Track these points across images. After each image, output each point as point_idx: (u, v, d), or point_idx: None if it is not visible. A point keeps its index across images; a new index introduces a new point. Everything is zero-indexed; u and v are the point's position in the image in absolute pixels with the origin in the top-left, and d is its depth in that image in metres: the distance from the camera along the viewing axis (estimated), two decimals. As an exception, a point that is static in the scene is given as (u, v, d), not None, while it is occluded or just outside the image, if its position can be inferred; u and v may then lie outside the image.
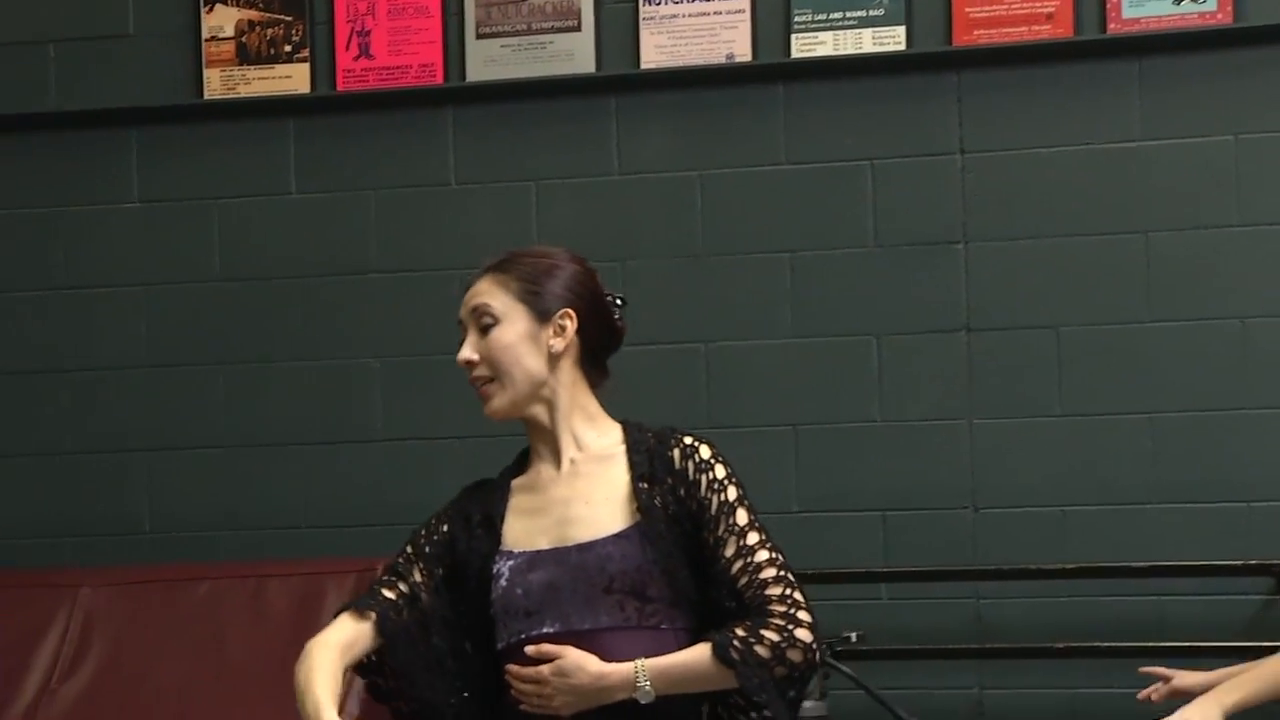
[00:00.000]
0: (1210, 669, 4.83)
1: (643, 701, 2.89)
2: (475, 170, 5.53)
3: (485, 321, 3.05)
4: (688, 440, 3.04)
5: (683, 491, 2.99)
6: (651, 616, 2.95)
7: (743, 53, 5.32)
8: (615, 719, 2.93)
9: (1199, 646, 4.97)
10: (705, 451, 3.03)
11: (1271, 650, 4.79)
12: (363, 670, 3.17)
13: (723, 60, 5.32)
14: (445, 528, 3.14)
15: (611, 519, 3.00)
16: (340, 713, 2.95)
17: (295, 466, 5.61)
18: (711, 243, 5.30)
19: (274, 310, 5.64)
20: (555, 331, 3.04)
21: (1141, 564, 5.07)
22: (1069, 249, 5.22)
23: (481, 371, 3.06)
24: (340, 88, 5.54)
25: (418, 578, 3.11)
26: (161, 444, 5.67)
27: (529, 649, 2.94)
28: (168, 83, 5.66)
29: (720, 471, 3.01)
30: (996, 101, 5.25)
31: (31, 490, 5.72)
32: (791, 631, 2.89)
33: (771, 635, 2.88)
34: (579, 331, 3.07)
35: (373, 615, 3.07)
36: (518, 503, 3.09)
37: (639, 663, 2.90)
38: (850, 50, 5.27)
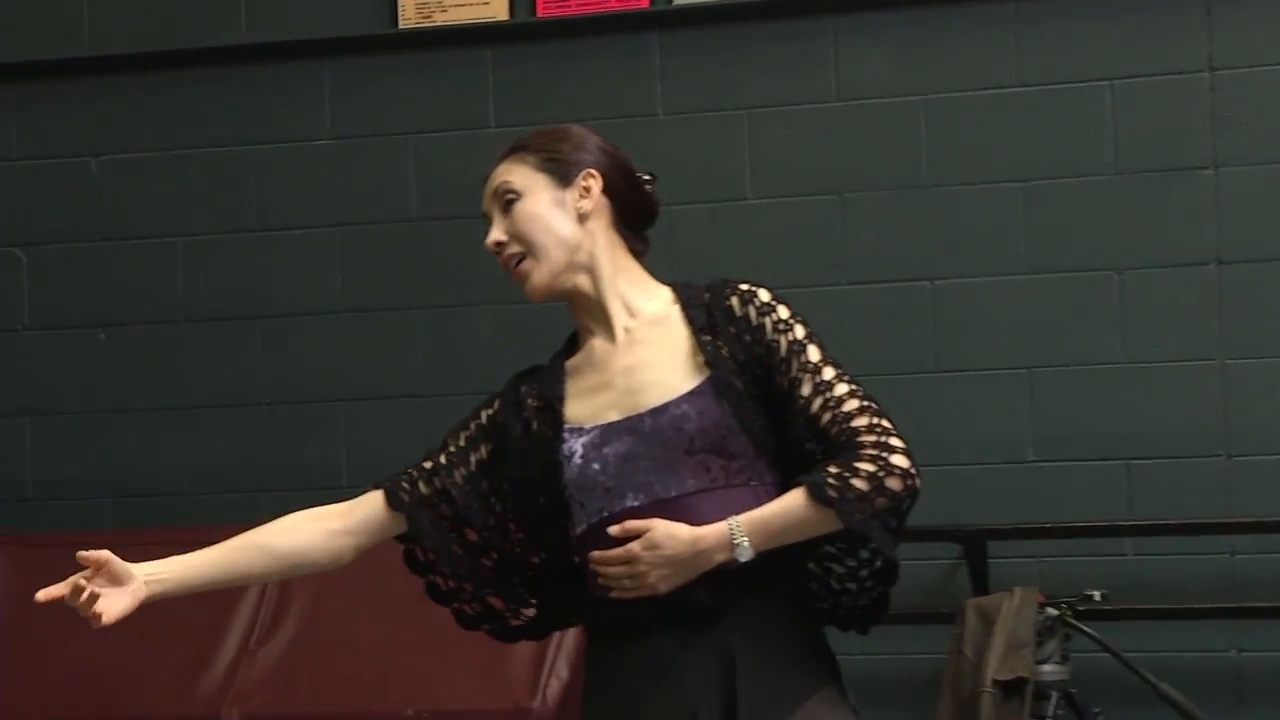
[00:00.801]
0: None
1: (742, 559, 2.80)
2: (684, 99, 5.47)
3: (508, 199, 3.00)
4: (744, 286, 2.96)
5: (748, 338, 2.91)
6: (738, 474, 2.87)
7: None
8: (716, 587, 2.85)
9: None
10: (764, 294, 2.95)
11: None
12: (413, 566, 3.20)
13: None
14: (490, 412, 3.07)
15: (680, 378, 2.91)
16: None
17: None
18: (937, 172, 5.23)
19: (476, 252, 5.44)
20: (580, 193, 2.98)
21: None
22: None
23: (513, 249, 2.98)
24: (540, 13, 5.55)
25: (457, 475, 3.05)
26: (359, 393, 5.70)
27: (612, 529, 2.85)
28: (361, 11, 5.67)
29: (784, 311, 2.93)
30: (1250, 11, 5.08)
31: (225, 442, 5.77)
32: (886, 459, 2.79)
33: (866, 466, 2.79)
34: (606, 192, 3.00)
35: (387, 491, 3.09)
36: (577, 383, 3.01)
37: (732, 520, 2.81)
38: None
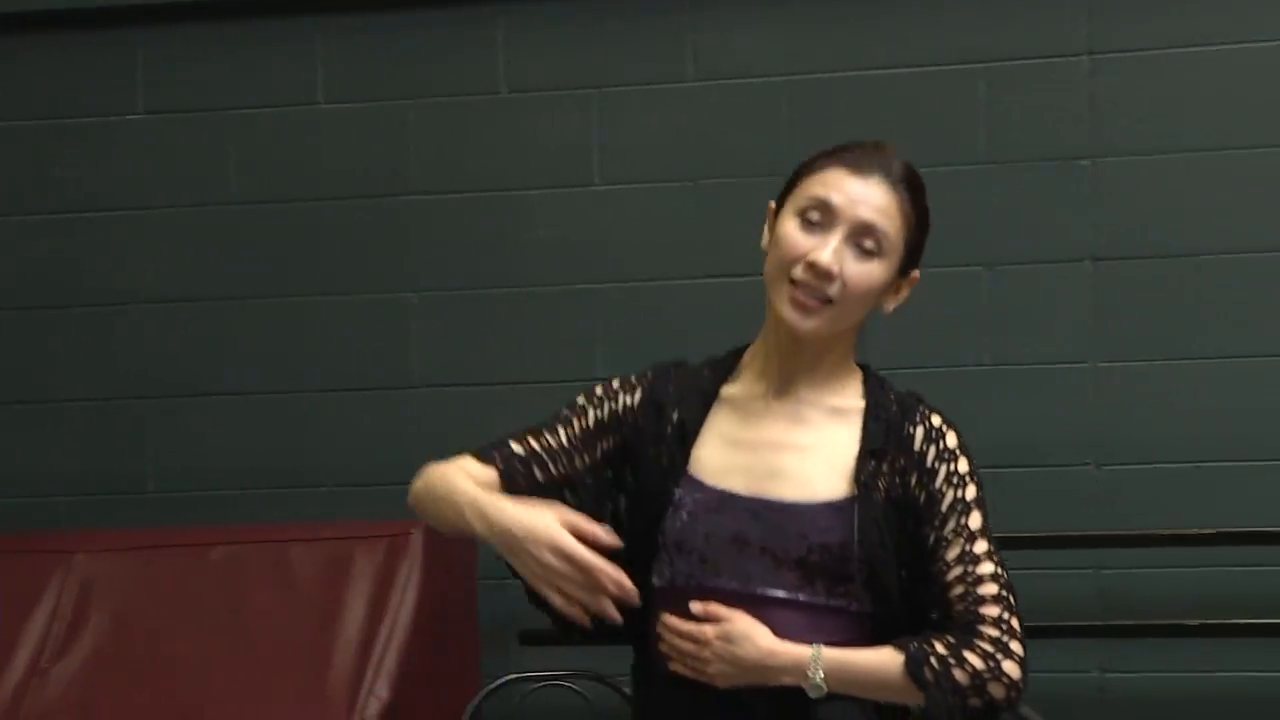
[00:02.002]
0: None
1: (811, 695, 2.74)
2: (529, 77, 5.36)
3: (868, 245, 2.81)
4: (935, 420, 2.86)
5: (914, 478, 2.82)
6: (840, 598, 2.79)
7: None
8: (776, 705, 2.78)
9: None
10: (952, 439, 2.85)
11: None
12: None
13: None
14: (630, 403, 2.96)
15: (825, 484, 2.82)
16: None
17: (321, 418, 5.53)
18: (800, 157, 5.07)
19: (299, 238, 5.53)
20: (895, 292, 2.88)
21: None
22: (1215, 167, 4.98)
23: (830, 291, 2.78)
24: None
25: (562, 442, 2.95)
26: (170, 391, 5.57)
27: (695, 606, 2.78)
28: None
29: (964, 465, 2.83)
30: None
31: (19, 442, 5.63)
32: (999, 662, 2.71)
33: (975, 661, 2.71)
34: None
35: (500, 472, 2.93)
36: (722, 421, 2.90)
37: (817, 649, 2.76)
38: None
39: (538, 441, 2.99)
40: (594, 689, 5.02)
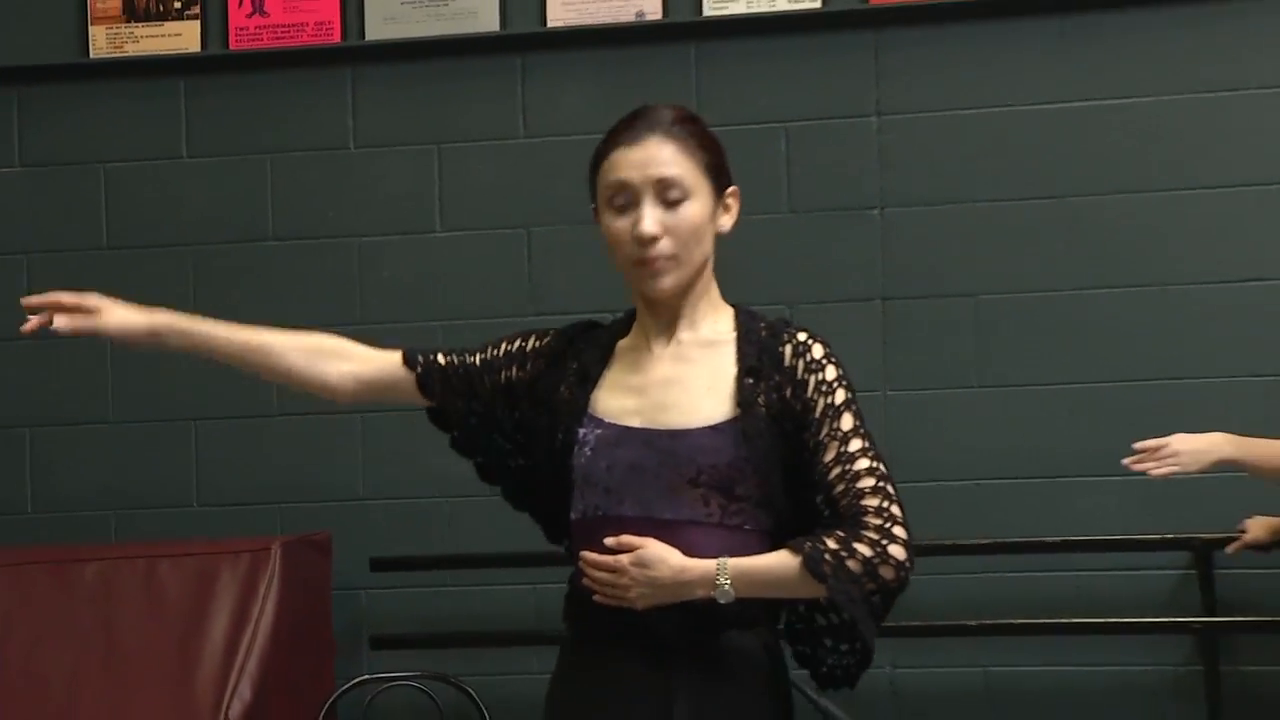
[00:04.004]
0: (1127, 646, 5.08)
1: (721, 601, 2.78)
2: (376, 133, 5.47)
3: (673, 195, 2.85)
4: (801, 336, 2.90)
5: (789, 391, 2.85)
6: (735, 515, 2.83)
7: (653, 10, 5.30)
8: (691, 618, 2.83)
9: (1116, 622, 5.02)
10: (818, 350, 2.89)
11: (1189, 627, 5.03)
12: (434, 419, 3.14)
13: (633, 18, 5.29)
14: (539, 345, 3.04)
15: (710, 409, 2.85)
16: None
17: (186, 443, 5.57)
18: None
19: (164, 280, 5.50)
20: (724, 210, 2.92)
21: (1058, 539, 5.06)
22: (990, 214, 5.16)
23: (665, 248, 2.84)
24: (233, 46, 5.49)
25: (480, 374, 3.05)
26: (45, 420, 5.64)
27: (608, 540, 2.83)
28: (51, 40, 5.58)
29: (831, 373, 2.87)
30: (915, 61, 5.19)
31: None
32: (885, 547, 2.76)
33: (864, 550, 2.75)
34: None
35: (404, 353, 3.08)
36: (618, 370, 2.95)
37: (721, 561, 2.79)
38: (764, 8, 5.27)
39: (458, 358, 3.05)
40: (439, 688, 5.19)
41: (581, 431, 2.89)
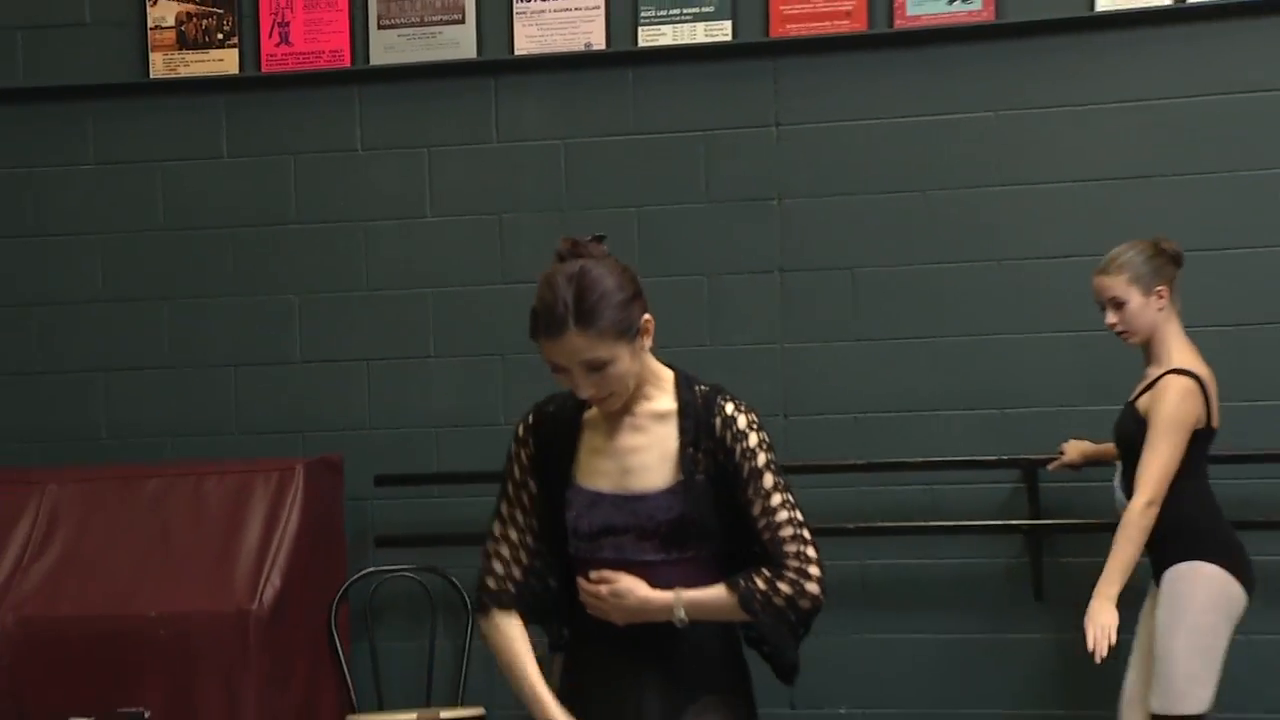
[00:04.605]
0: (971, 544, 5.17)
1: (678, 625, 2.91)
2: (378, 139, 5.55)
3: (597, 365, 2.85)
4: (729, 410, 2.92)
5: (720, 457, 2.90)
6: (686, 551, 2.92)
7: (598, 42, 5.36)
8: (657, 632, 2.94)
9: (963, 525, 5.18)
10: (741, 421, 2.92)
11: (1019, 528, 5.11)
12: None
13: (583, 48, 5.37)
14: (531, 449, 3.03)
15: (663, 476, 2.92)
16: None
17: (227, 384, 5.66)
18: (574, 199, 5.36)
19: (209, 254, 5.66)
20: (643, 333, 2.89)
21: (917, 459, 5.20)
22: (865, 204, 5.27)
23: (603, 393, 2.89)
24: (264, 70, 5.56)
25: (520, 530, 3.02)
26: (115, 366, 5.71)
27: (592, 575, 2.93)
28: (119, 64, 5.66)
29: (752, 440, 2.91)
30: (806, 83, 5.31)
31: (4, 404, 5.76)
32: (802, 585, 2.86)
33: (785, 588, 2.86)
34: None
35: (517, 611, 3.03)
36: (588, 440, 2.99)
37: (678, 593, 2.89)
38: (686, 40, 5.31)
39: (515, 558, 2.99)
40: (430, 578, 5.37)
41: (568, 495, 2.96)
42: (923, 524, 5.20)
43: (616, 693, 2.98)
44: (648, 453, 2.94)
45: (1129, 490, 4.30)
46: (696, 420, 2.91)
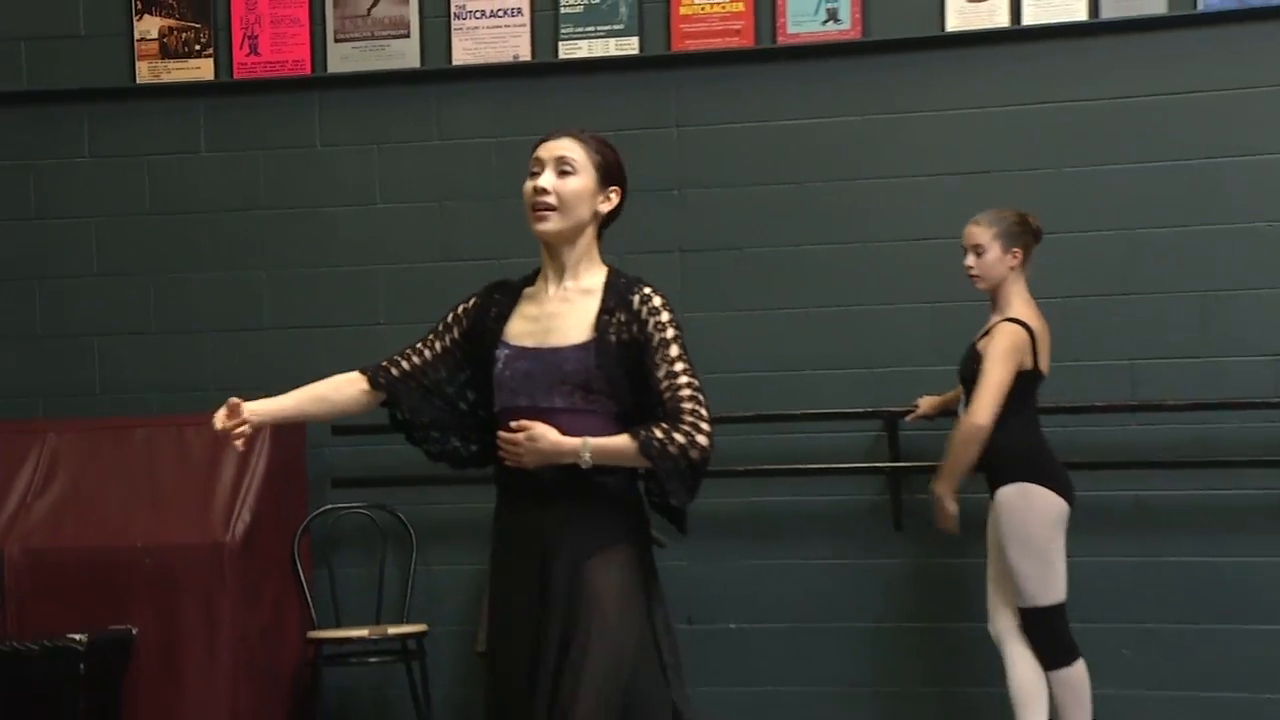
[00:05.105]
0: (840, 483, 5.23)
1: (583, 466, 2.88)
2: (335, 136, 5.57)
3: (565, 168, 2.94)
4: (647, 290, 2.96)
5: (634, 327, 2.91)
6: (591, 403, 2.91)
7: (525, 54, 5.42)
8: (566, 470, 2.90)
9: (834, 467, 5.25)
10: (657, 301, 2.96)
11: (882, 470, 5.19)
12: (395, 425, 3.15)
13: (511, 59, 5.42)
14: (466, 307, 3.08)
15: (577, 335, 2.93)
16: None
17: (205, 347, 5.66)
18: (505, 189, 5.17)
19: (189, 236, 5.67)
20: (605, 199, 2.98)
21: (796, 410, 5.28)
22: (753, 194, 5.32)
23: (549, 200, 2.94)
24: (236, 76, 5.59)
25: (427, 355, 3.06)
26: (107, 332, 5.71)
27: (511, 424, 2.92)
28: (109, 71, 5.66)
29: (665, 316, 2.94)
30: (702, 91, 5.36)
31: (12, 364, 5.75)
32: (694, 438, 2.87)
33: (680, 439, 2.85)
34: (615, 208, 3.03)
35: (370, 376, 3.08)
36: (522, 308, 3.02)
37: (585, 440, 2.87)
38: (600, 53, 5.38)
39: (409, 363, 3.04)
40: (380, 514, 5.40)
41: (497, 353, 2.98)
42: (801, 466, 5.26)
43: (531, 545, 2.94)
44: (569, 317, 2.95)
45: None
46: (618, 296, 2.94)
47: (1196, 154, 5.13)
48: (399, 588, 5.47)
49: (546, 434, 2.88)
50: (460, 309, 3.09)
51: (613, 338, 2.90)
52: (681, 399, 2.87)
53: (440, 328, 3.09)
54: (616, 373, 2.90)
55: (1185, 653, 5.10)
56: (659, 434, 2.84)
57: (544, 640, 2.89)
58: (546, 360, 2.92)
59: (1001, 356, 4.42)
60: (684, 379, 2.89)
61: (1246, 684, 5.07)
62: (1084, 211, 5.18)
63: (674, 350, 2.90)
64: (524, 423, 2.89)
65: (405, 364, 3.08)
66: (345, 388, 3.12)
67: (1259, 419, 5.09)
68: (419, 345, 3.09)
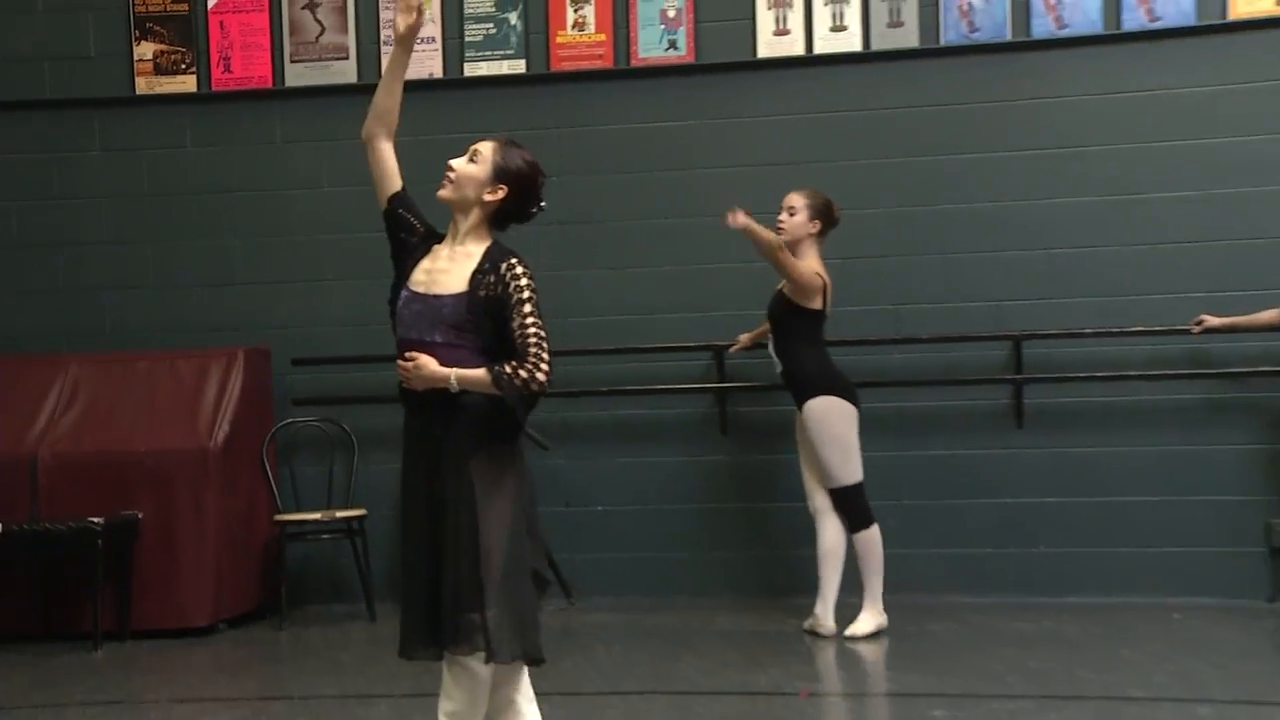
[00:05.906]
0: (683, 401, 5.44)
1: (452, 390, 2.93)
2: (292, 135, 5.83)
3: (474, 157, 3.00)
4: (513, 260, 2.99)
5: (499, 288, 2.95)
6: (461, 339, 2.94)
7: (438, 73, 5.68)
8: (440, 395, 2.93)
9: (677, 388, 5.49)
10: (519, 269, 2.98)
11: (711, 389, 5.38)
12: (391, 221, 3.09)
13: (427, 76, 5.63)
14: (422, 233, 3.07)
15: (456, 287, 2.96)
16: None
17: (191, 299, 5.88)
18: (421, 175, 4.65)
19: (178, 212, 5.92)
20: (490, 192, 3.00)
21: (645, 345, 5.57)
22: (614, 180, 5.57)
23: (450, 175, 3.00)
24: (214, 89, 5.86)
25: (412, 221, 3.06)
26: (116, 285, 5.93)
27: (406, 354, 2.95)
28: (115, 84, 5.88)
29: (523, 282, 2.96)
30: (575, 101, 5.66)
31: (42, 312, 5.94)
32: (534, 374, 2.92)
33: (524, 374, 2.91)
34: (501, 201, 3.02)
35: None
36: (427, 259, 3.04)
37: (453, 370, 2.92)
38: (496, 72, 5.63)
39: (412, 213, 3.06)
40: (330, 426, 5.62)
41: (401, 292, 3.03)
42: (651, 388, 5.62)
43: (426, 444, 3.00)
44: (453, 273, 2.99)
45: (780, 353, 4.81)
46: (491, 261, 2.99)
47: (941, 153, 5.50)
48: (345, 481, 5.71)
49: (428, 364, 2.94)
50: (421, 230, 3.09)
51: (482, 293, 2.96)
52: (529, 344, 2.93)
53: (415, 222, 3.09)
54: (482, 319, 2.96)
55: (932, 520, 5.49)
56: (508, 369, 2.91)
57: (439, 509, 3.00)
58: (431, 305, 2.98)
59: (805, 276, 4.76)
60: (532, 329, 2.94)
61: (976, 541, 5.50)
62: (861, 194, 5.50)
63: (527, 308, 2.96)
64: (413, 354, 2.96)
65: (410, 207, 3.12)
66: (389, 124, 3.15)
67: (986, 349, 5.51)
68: (410, 218, 3.09)
